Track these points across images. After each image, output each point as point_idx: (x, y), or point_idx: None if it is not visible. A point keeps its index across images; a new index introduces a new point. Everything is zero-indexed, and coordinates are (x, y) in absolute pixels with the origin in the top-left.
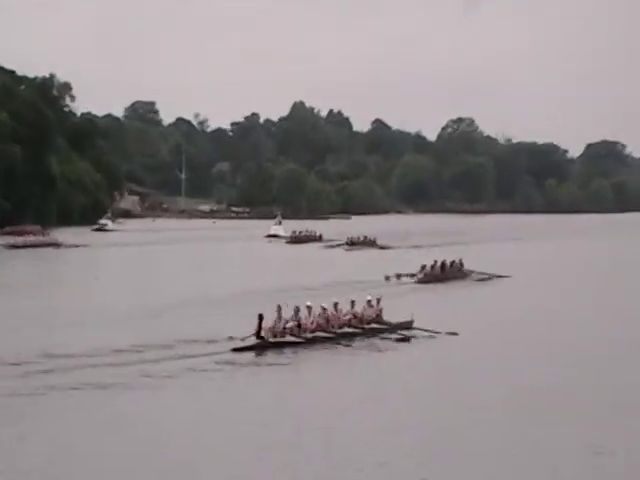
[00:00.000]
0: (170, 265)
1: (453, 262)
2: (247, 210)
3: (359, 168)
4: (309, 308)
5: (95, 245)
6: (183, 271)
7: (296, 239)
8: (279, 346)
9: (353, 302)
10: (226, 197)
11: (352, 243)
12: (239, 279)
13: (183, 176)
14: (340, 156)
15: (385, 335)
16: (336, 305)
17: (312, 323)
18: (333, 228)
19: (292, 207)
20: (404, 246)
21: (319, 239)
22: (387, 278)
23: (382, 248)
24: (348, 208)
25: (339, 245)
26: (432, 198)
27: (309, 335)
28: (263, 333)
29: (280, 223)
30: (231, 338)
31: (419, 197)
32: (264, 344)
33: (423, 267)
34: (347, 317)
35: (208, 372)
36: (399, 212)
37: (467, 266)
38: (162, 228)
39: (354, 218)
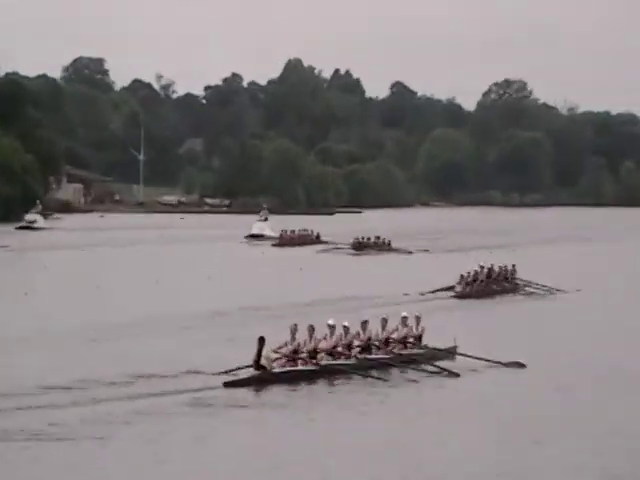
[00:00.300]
0: (121, 275)
1: (503, 270)
2: (226, 202)
3: (374, 146)
4: (331, 328)
5: (19, 248)
6: (137, 283)
7: (286, 240)
8: (286, 379)
9: (385, 320)
10: (198, 185)
11: (360, 245)
12: (210, 294)
13: (141, 157)
14: (349, 131)
15: (424, 364)
16: (364, 324)
17: (333, 347)
18: (338, 226)
19: (286, 198)
20: (431, 250)
21: (316, 240)
22: (406, 294)
23: (399, 252)
24: (359, 199)
25: (342, 248)
26: (470, 186)
27: (326, 362)
28: (264, 362)
29: (266, 219)
30: (194, 372)
31: (453, 185)
32: (265, 376)
33: (463, 277)
34: (377, 341)
35: (184, 416)
36: (426, 204)
37: (520, 275)
38: (112, 226)
39: (366, 212)
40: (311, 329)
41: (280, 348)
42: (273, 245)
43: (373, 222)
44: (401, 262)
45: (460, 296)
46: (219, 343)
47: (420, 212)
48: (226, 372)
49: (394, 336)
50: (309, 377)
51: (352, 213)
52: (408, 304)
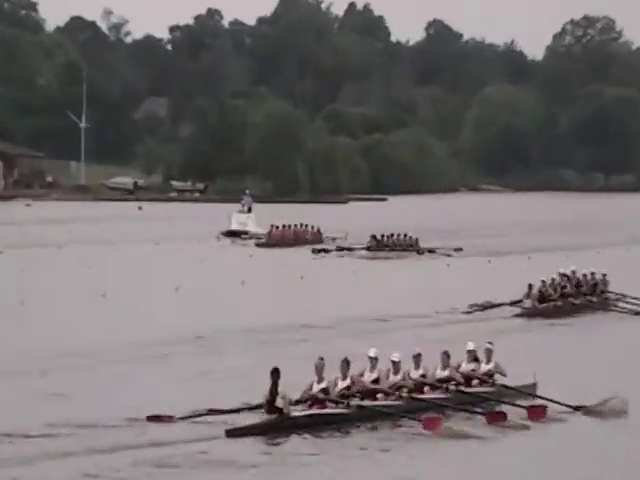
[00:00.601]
0: (55, 287)
1: (590, 280)
2: (200, 186)
3: (402, 109)
4: (373, 360)
5: None
6: (78, 297)
7: (275, 239)
8: (309, 425)
9: (446, 356)
10: (162, 163)
11: (377, 245)
12: (178, 311)
13: (83, 124)
14: (369, 87)
15: (490, 407)
16: (417, 358)
17: (374, 385)
18: (353, 219)
19: (281, 181)
20: (474, 252)
21: (316, 238)
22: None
23: (424, 253)
24: (382, 182)
25: (353, 249)
26: (536, 164)
27: (362, 403)
28: (280, 402)
29: (250, 210)
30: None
31: (512, 162)
32: (281, 421)
33: (532, 287)
34: (434, 381)
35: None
36: (475, 189)
37: (613, 287)
38: (44, 218)
39: (392, 199)
40: (345, 364)
41: (309, 391)
42: (258, 245)
43: (399, 214)
44: (435, 267)
45: (530, 314)
46: (191, 377)
47: (466, 199)
48: (212, 411)
49: (457, 375)
50: (339, 423)
51: (373, 201)
52: (451, 325)
